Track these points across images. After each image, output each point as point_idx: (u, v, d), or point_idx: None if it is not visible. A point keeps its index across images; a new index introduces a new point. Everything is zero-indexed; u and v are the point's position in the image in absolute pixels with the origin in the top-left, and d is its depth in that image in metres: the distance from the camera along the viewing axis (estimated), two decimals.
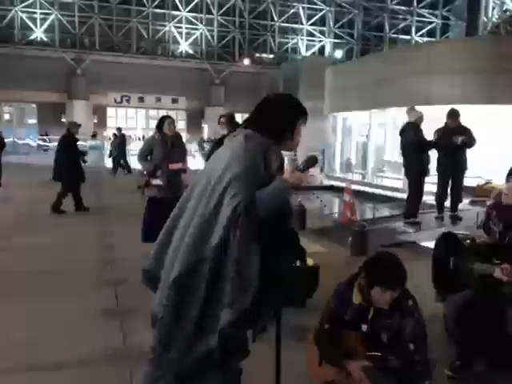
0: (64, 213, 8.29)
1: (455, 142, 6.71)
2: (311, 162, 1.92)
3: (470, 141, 6.79)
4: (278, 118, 1.97)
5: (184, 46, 37.49)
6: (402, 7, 39.75)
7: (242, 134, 1.94)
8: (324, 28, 39.36)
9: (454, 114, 7.06)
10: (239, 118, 5.71)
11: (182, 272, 1.83)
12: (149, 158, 5.33)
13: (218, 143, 4.43)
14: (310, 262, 4.07)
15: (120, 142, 16.62)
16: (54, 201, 8.35)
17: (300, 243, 2.12)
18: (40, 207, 8.80)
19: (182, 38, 37.41)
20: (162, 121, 5.30)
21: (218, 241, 1.78)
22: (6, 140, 13.53)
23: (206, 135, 34.85)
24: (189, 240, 1.85)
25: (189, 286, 1.82)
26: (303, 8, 38.59)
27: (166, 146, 5.19)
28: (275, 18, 38.41)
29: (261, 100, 2.05)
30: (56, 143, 9.80)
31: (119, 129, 18.12)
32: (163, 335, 1.88)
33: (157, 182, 5.21)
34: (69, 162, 8.39)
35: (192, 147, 25.28)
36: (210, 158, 2.20)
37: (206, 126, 36.76)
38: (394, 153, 14.64)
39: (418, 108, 7.56)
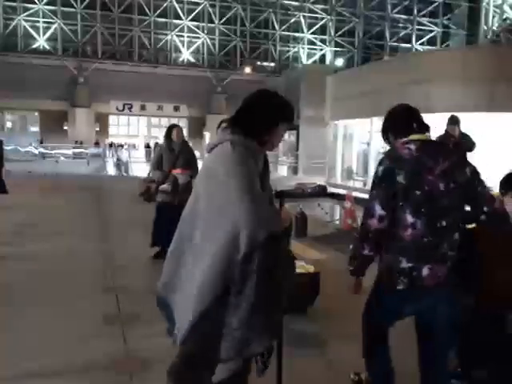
0: None
1: None
2: (320, 190, 1.90)
3: (469, 145, 6.83)
4: (260, 119, 1.92)
5: (186, 55, 37.69)
6: (403, 16, 39.99)
7: (228, 140, 1.86)
8: (325, 36, 39.56)
9: (454, 122, 7.08)
10: None
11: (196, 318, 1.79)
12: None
13: None
14: (310, 268, 4.08)
15: None
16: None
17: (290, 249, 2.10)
18: (39, 214, 8.81)
19: (183, 46, 37.63)
20: (170, 129, 5.58)
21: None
22: (8, 147, 13.58)
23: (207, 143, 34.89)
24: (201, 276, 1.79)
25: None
26: (304, 17, 38.81)
27: (172, 153, 5.47)
28: (276, 27, 38.64)
29: (246, 98, 1.97)
30: (57, 151, 9.85)
31: None
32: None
33: (164, 187, 5.47)
34: None
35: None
36: None
37: (207, 134, 36.87)
38: None
39: None
